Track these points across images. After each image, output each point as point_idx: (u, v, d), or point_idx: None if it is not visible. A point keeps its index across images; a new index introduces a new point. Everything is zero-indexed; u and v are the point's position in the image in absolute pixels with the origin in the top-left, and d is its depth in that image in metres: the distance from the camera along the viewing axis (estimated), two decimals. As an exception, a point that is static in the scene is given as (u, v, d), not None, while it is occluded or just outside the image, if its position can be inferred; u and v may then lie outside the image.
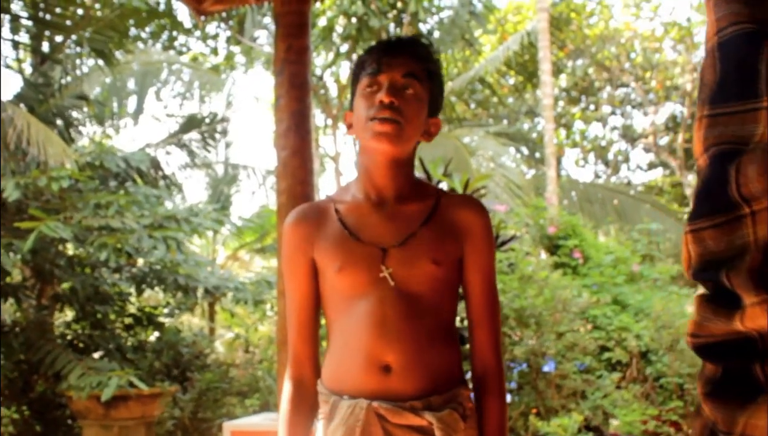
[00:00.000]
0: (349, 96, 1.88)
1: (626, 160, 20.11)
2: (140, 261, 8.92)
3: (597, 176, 20.04)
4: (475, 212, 1.95)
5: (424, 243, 1.88)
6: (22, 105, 8.94)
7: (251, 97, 25.95)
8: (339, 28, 12.14)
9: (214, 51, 16.48)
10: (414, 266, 1.86)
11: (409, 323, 1.84)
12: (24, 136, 6.85)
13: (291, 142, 4.45)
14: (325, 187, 20.99)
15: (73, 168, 7.00)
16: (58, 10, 9.39)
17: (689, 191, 17.26)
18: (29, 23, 9.76)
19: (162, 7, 12.51)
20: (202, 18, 5.51)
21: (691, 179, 17.64)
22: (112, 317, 8.81)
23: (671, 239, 13.43)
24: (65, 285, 8.29)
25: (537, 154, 18.65)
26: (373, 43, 2.03)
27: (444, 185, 7.49)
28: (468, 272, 1.94)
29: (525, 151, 18.61)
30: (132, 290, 8.88)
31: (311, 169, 4.55)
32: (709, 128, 1.03)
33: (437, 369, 1.87)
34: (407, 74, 1.87)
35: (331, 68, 13.39)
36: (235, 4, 5.70)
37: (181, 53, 16.47)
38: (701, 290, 1.02)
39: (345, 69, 13.58)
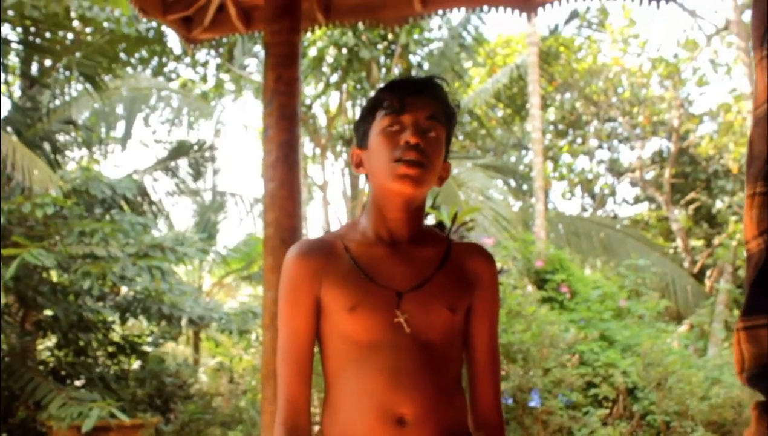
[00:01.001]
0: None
1: (612, 193, 20.13)
2: (124, 289, 8.83)
3: (583, 209, 20.06)
4: (485, 262, 1.90)
5: (440, 289, 1.80)
6: (9, 128, 8.89)
7: (240, 124, 25.95)
8: (329, 59, 12.15)
9: (203, 78, 16.48)
10: (430, 312, 1.78)
11: (425, 373, 1.74)
12: (9, 161, 6.78)
13: (279, 173, 4.40)
14: (312, 216, 20.95)
15: (58, 194, 6.94)
16: (48, 34, 9.37)
17: (675, 226, 17.29)
18: (19, 47, 9.73)
19: (152, 33, 12.49)
20: (192, 46, 5.49)
21: (677, 214, 17.68)
22: (95, 344, 8.71)
23: (657, 273, 13.44)
24: (48, 312, 8.20)
25: (524, 187, 18.68)
26: (395, 79, 1.96)
27: (432, 218, 7.48)
28: (475, 322, 1.87)
29: (512, 183, 18.64)
30: (116, 317, 8.79)
31: (299, 201, 4.50)
32: (764, 208, 0.89)
33: (450, 422, 1.77)
34: (430, 116, 1.81)
35: (321, 98, 13.39)
36: (224, 33, 5.67)
37: (170, 79, 16.47)
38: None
39: (334, 99, 13.59)
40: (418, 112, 1.80)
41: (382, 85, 1.93)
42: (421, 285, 1.79)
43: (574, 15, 15.20)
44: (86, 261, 7.10)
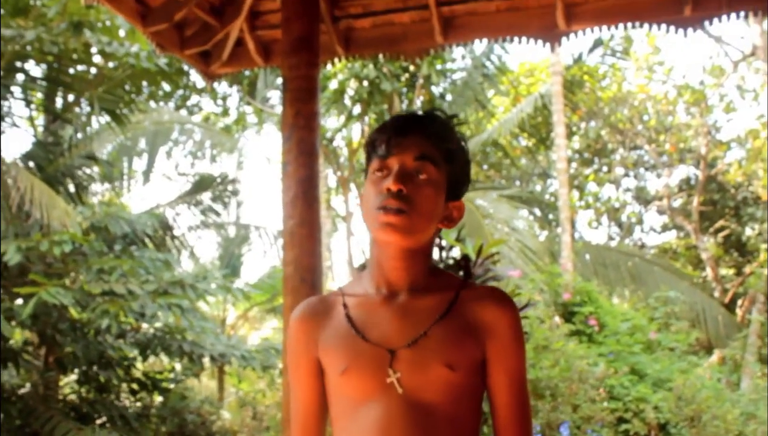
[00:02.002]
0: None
1: (639, 222, 19.94)
2: (144, 325, 8.75)
3: (610, 238, 19.87)
4: (499, 307, 1.70)
5: (437, 344, 1.64)
6: (31, 163, 8.89)
7: (263, 156, 25.99)
8: (350, 91, 12.06)
9: (225, 112, 16.50)
10: (425, 370, 1.62)
11: None
12: (27, 197, 6.72)
13: (299, 210, 4.28)
14: (337, 248, 20.88)
15: (76, 231, 6.85)
16: (71, 70, 9.38)
17: (705, 255, 17.04)
18: (43, 82, 9.75)
19: (174, 67, 12.50)
20: (210, 80, 5.41)
21: (706, 242, 17.44)
22: (116, 381, 8.62)
23: (687, 302, 13.23)
24: (69, 349, 8.13)
25: (550, 216, 18.52)
26: (386, 118, 1.83)
27: (457, 251, 7.35)
28: (492, 377, 1.69)
29: (538, 212, 18.50)
30: (136, 354, 8.70)
31: (319, 239, 4.37)
32: None
33: None
34: (420, 157, 1.67)
35: (342, 131, 13.30)
36: (243, 67, 5.61)
37: (192, 113, 16.49)
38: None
39: (357, 131, 13.51)
40: (405, 153, 1.67)
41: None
42: (415, 341, 1.64)
43: (598, 43, 15.07)
44: (105, 299, 7.02)
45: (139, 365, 9.14)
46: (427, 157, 1.68)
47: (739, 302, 16.24)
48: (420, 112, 1.76)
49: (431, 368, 1.63)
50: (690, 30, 4.70)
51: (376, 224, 1.65)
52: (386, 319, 1.69)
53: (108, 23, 9.25)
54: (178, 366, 9.85)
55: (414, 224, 1.65)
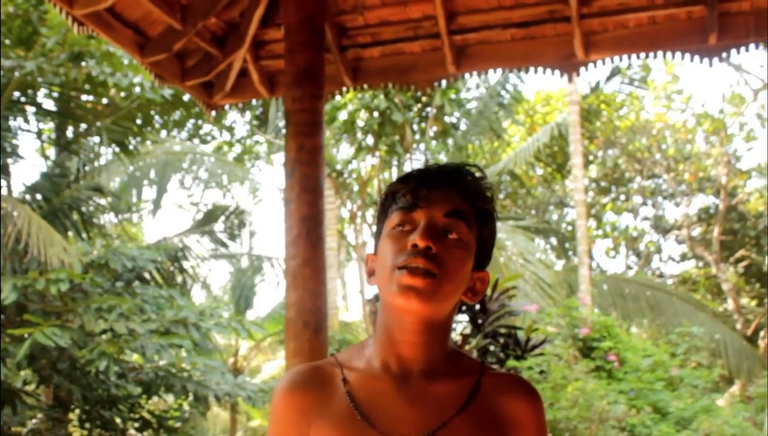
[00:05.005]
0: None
1: (658, 251, 19.67)
2: (148, 363, 8.53)
3: (628, 267, 19.60)
4: (526, 401, 1.49)
5: None
6: (38, 195, 8.76)
7: (275, 186, 25.93)
8: (360, 122, 11.80)
9: (230, 143, 16.41)
10: None
11: None
12: (24, 232, 6.50)
13: (301, 250, 4.05)
14: (350, 278, 20.68)
15: (75, 268, 6.62)
16: (82, 98, 9.29)
17: (725, 286, 16.74)
18: (51, 114, 9.64)
19: (187, 96, 12.41)
20: (213, 113, 5.22)
21: (726, 272, 17.13)
22: (117, 420, 8.37)
23: (707, 333, 12.94)
24: (69, 388, 7.90)
25: (566, 245, 18.27)
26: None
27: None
28: None
29: (554, 241, 18.27)
30: (140, 391, 8.47)
31: (324, 280, 4.13)
32: None
33: None
34: (451, 213, 1.42)
35: (353, 162, 13.08)
36: (247, 99, 5.42)
37: (206, 142, 16.40)
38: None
39: (368, 162, 13.32)
40: (435, 207, 1.41)
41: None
42: (434, 432, 1.39)
43: (615, 72, 14.87)
44: (104, 338, 6.79)
45: (143, 402, 8.91)
46: (460, 214, 1.43)
47: (762, 333, 15.91)
48: (452, 165, 1.49)
49: None
50: (715, 59, 4.48)
51: (395, 287, 1.38)
52: (396, 404, 1.43)
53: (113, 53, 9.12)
54: (186, 404, 9.61)
55: (441, 289, 1.39)
